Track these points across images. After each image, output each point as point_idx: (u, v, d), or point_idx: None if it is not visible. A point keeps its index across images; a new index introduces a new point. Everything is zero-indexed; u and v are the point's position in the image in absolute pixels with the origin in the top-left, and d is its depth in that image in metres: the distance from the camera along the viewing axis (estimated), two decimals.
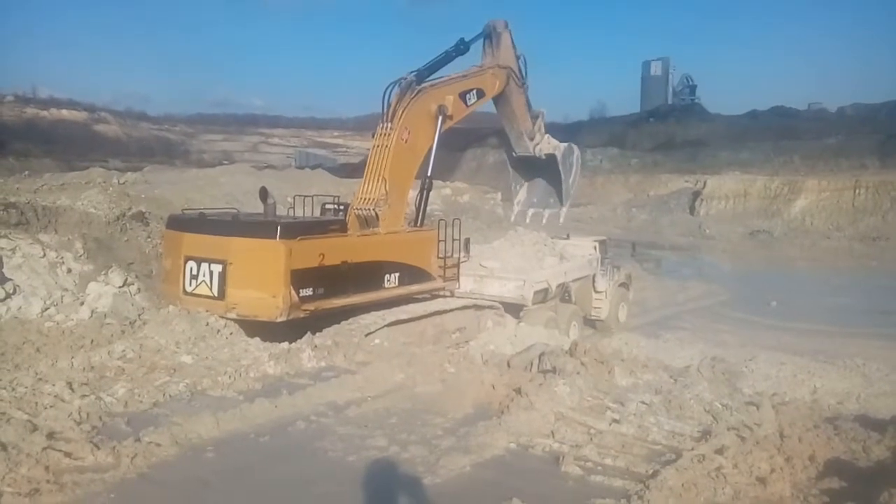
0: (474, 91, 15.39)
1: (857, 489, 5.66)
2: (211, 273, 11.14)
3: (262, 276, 10.94)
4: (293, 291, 10.79)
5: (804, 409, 8.05)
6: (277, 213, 12.91)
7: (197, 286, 11.31)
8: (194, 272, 11.32)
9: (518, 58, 16.83)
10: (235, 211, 13.46)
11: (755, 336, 18.04)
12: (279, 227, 11.06)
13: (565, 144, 18.39)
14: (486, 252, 16.87)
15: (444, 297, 14.18)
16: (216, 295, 11.09)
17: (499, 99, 16.73)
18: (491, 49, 16.26)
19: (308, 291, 11.03)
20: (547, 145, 18.02)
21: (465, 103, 15.13)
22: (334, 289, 11.49)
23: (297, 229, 11.31)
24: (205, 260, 11.23)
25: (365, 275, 12.14)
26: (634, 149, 77.46)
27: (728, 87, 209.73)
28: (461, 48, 15.43)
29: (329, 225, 12.31)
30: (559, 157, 17.92)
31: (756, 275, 31.90)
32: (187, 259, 11.45)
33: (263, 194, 12.27)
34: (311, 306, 11.09)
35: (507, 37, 16.48)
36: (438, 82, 14.47)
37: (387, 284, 12.66)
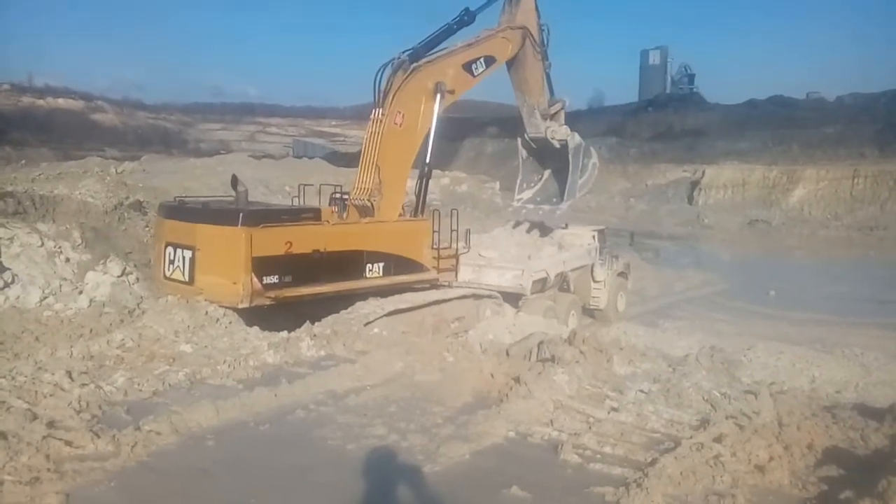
0: (482, 59, 14.30)
1: (855, 477, 5.69)
2: (184, 258, 11.32)
3: (224, 262, 11.04)
4: (255, 278, 10.83)
5: (802, 397, 8.09)
6: (250, 199, 12.71)
7: (173, 271, 11.51)
8: (172, 257, 11.51)
9: (542, 28, 15.76)
10: (231, 199, 13.36)
11: (753, 325, 18.02)
12: (241, 215, 11.09)
13: (583, 141, 17.30)
14: (484, 241, 16.79)
15: (443, 286, 14.14)
16: (187, 280, 11.27)
17: (512, 64, 15.62)
18: (510, 8, 15.20)
19: (273, 279, 11.05)
20: (562, 132, 16.90)
21: (472, 74, 14.15)
22: (304, 277, 11.46)
23: (261, 217, 11.32)
24: (179, 246, 11.41)
25: (341, 264, 12.06)
26: (633, 138, 77.24)
27: (726, 76, 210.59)
28: (465, 19, 14.26)
29: (301, 213, 12.23)
30: (571, 147, 16.84)
31: (754, 264, 31.94)
32: (167, 245, 11.65)
33: (234, 181, 12.19)
34: (274, 293, 11.09)
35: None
36: (435, 57, 13.63)
37: (368, 274, 12.54)
